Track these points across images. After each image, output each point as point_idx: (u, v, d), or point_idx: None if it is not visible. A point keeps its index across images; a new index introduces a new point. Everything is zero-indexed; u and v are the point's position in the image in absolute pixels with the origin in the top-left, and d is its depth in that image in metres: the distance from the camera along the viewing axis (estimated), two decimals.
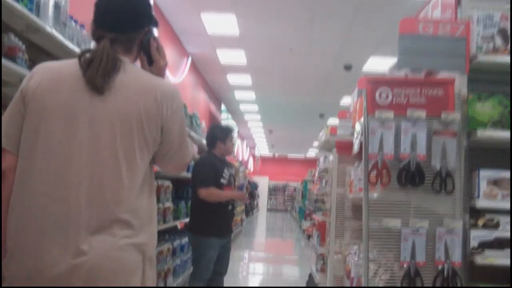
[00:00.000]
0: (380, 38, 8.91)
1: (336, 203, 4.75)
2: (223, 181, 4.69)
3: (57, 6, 3.14)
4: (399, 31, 3.01)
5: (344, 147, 4.54)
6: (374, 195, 2.90)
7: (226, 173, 4.73)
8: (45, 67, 1.80)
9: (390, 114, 2.87)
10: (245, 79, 13.41)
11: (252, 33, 9.55)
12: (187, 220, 6.91)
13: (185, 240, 6.71)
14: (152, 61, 1.94)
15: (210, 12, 8.66)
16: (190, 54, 11.08)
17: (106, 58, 1.74)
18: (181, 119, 1.88)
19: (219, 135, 4.84)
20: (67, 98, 1.71)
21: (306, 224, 14.54)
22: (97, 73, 1.71)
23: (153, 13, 1.96)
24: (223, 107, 16.68)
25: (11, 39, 2.71)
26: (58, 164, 1.68)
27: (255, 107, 17.61)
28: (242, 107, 17.79)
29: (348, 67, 11.02)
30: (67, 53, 3.39)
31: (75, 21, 3.61)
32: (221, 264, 4.77)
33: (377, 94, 2.95)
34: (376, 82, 2.99)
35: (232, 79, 13.55)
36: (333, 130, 5.50)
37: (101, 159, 1.69)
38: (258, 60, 11.43)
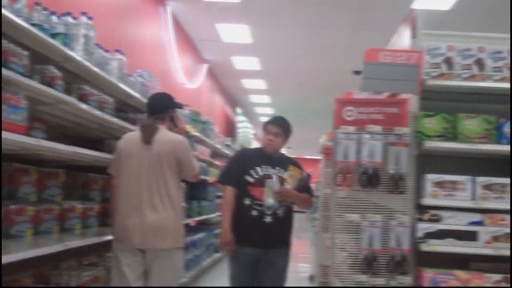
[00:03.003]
0: (384, 45, 9.48)
1: (323, 201, 5.41)
2: (248, 178, 4.01)
3: (86, 37, 3.85)
4: (363, 60, 3.66)
5: (329, 153, 5.19)
6: (341, 194, 3.57)
7: (259, 170, 4.03)
8: (125, 136, 3.72)
9: (352, 129, 3.53)
10: (260, 84, 14.07)
11: (264, 41, 10.23)
12: (199, 218, 7.61)
13: (197, 236, 7.54)
14: (176, 125, 3.83)
15: (224, 23, 9.36)
16: (206, 61, 11.79)
17: (151, 127, 3.63)
18: (187, 152, 3.68)
19: (263, 125, 4.23)
20: (134, 149, 3.58)
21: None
22: (147, 134, 3.58)
23: (176, 100, 3.92)
24: (238, 110, 17.37)
25: (51, 70, 3.42)
26: (134, 180, 3.53)
27: (270, 110, 18.25)
28: (258, 110, 18.42)
29: (357, 72, 11.54)
30: (94, 77, 4.10)
31: (101, 47, 4.30)
32: (261, 280, 4.05)
33: (343, 112, 3.62)
34: (343, 102, 3.66)
35: (247, 83, 14.20)
36: (330, 135, 6.11)
37: (151, 176, 3.52)
38: (271, 65, 12.09)
